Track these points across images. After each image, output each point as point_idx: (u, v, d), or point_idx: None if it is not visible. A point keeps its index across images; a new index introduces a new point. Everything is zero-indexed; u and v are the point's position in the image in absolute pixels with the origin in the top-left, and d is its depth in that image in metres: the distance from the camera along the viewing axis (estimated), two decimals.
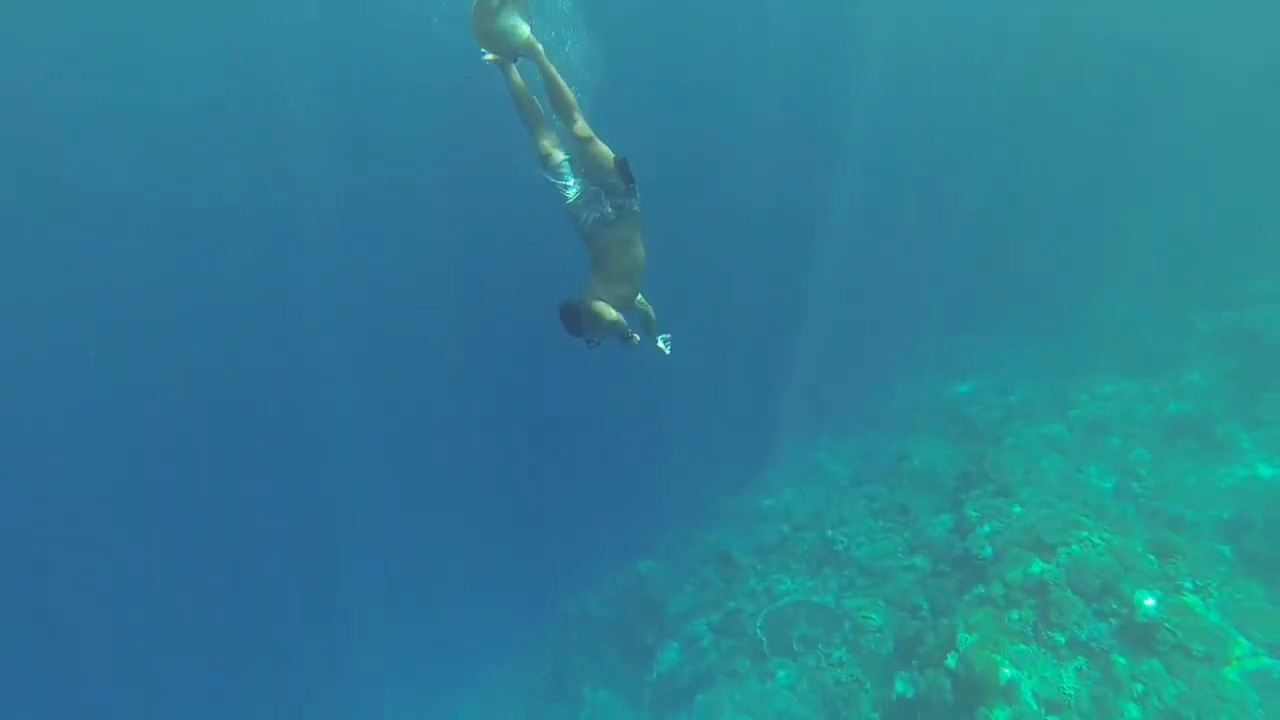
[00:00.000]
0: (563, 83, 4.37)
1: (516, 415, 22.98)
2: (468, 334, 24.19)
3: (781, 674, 10.23)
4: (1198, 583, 8.36)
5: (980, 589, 9.19)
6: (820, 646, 10.49)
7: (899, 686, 8.99)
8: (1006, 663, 8.02)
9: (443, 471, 23.01)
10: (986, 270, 20.50)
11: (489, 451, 22.67)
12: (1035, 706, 7.75)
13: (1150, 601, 8.19)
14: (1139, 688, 7.73)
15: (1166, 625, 7.97)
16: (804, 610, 11.30)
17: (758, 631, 11.30)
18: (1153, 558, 8.74)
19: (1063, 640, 8.21)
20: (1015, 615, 8.58)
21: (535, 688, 14.71)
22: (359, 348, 24.91)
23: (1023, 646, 8.23)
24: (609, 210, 4.48)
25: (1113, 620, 8.25)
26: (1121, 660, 7.93)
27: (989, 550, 9.78)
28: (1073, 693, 7.82)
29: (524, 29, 4.38)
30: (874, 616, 10.33)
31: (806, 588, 11.95)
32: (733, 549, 13.99)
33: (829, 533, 12.89)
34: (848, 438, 17.36)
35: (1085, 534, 9.04)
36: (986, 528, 10.15)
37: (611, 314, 4.51)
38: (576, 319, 4.53)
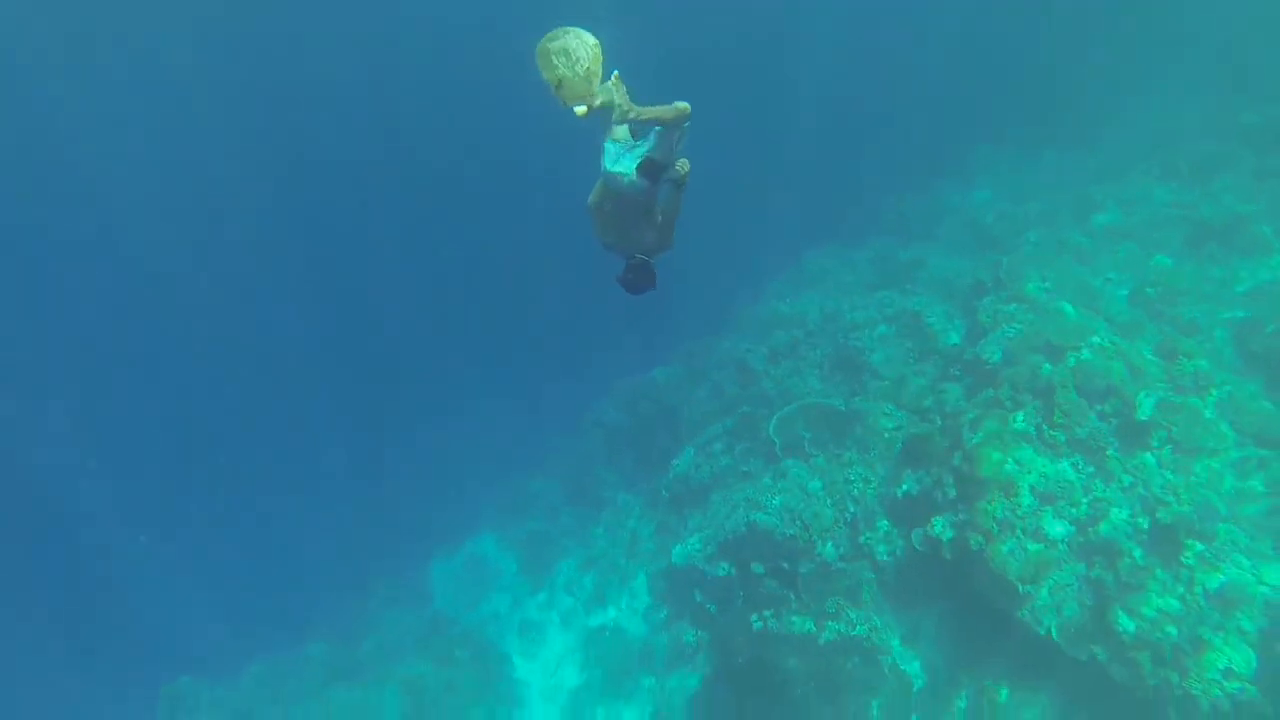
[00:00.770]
0: None
1: (533, 233, 22.86)
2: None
3: (793, 473, 10.93)
4: (1199, 382, 8.67)
5: (988, 392, 9.56)
6: (831, 447, 11.13)
7: (905, 484, 9.66)
8: (1008, 460, 8.54)
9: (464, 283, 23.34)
10: (1009, 80, 19.27)
11: (504, 267, 22.85)
12: (1030, 499, 8.36)
13: (1150, 401, 8.57)
14: (1128, 479, 8.28)
15: (1163, 422, 8.40)
16: (816, 413, 11.81)
17: (770, 434, 11.90)
18: (1159, 360, 9.02)
19: (1063, 439, 8.67)
20: (1020, 416, 9.00)
21: (555, 494, 15.80)
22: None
23: (1025, 446, 8.71)
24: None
25: (1113, 420, 8.67)
26: (1116, 455, 8.44)
27: (998, 355, 10.06)
28: (1066, 485, 8.40)
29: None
30: (883, 419, 10.85)
31: (818, 391, 12.44)
32: (746, 354, 14.42)
33: (841, 338, 13.20)
34: (861, 245, 17.25)
35: (1095, 339, 9.25)
36: (997, 333, 10.38)
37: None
38: (649, 274, 4.73)
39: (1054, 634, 7.74)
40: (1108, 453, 8.47)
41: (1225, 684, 6.97)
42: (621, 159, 4.40)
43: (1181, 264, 10.70)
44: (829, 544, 9.87)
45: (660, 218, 4.62)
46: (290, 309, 23.68)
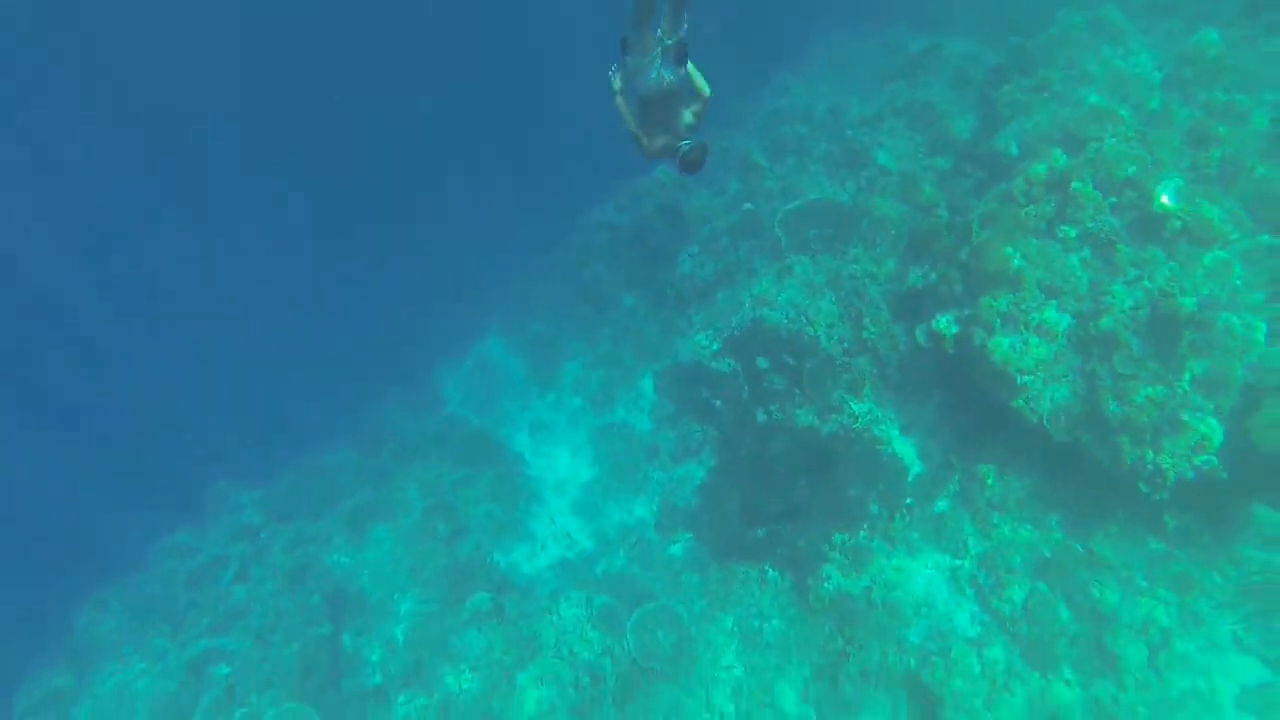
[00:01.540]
0: None
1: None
2: None
3: (798, 269, 10.94)
4: (1226, 170, 8.40)
5: (1001, 186, 9.30)
6: (836, 243, 11.06)
7: (910, 279, 9.71)
8: (1016, 255, 8.51)
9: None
10: None
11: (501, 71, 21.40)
12: (1036, 293, 8.43)
13: (1167, 195, 8.36)
14: (1134, 271, 8.30)
15: (1178, 214, 8.24)
16: (821, 209, 11.61)
17: (776, 230, 11.77)
18: (1186, 148, 8.69)
19: (1074, 234, 8.58)
20: (1032, 210, 8.84)
21: (559, 297, 15.79)
22: None
23: (1034, 240, 8.64)
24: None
25: (1127, 213, 8.53)
26: (1126, 249, 8.38)
27: (1015, 148, 9.71)
28: (1072, 279, 8.44)
29: None
30: (890, 214, 10.68)
31: (824, 187, 12.15)
32: (750, 150, 13.91)
33: (848, 132, 12.68)
34: (870, 35, 16.04)
35: (1121, 127, 8.86)
36: (1015, 124, 9.93)
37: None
38: (702, 150, 5.81)
39: (1045, 422, 8.16)
40: (1118, 246, 8.41)
41: (1194, 459, 7.50)
42: (658, 68, 5.65)
43: (1232, 40, 9.83)
44: (833, 339, 10.11)
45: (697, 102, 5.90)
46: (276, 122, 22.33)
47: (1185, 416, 7.55)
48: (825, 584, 9.05)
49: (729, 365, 10.97)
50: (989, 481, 8.91)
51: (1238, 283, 7.98)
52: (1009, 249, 8.55)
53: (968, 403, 9.11)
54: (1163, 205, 8.26)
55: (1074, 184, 8.67)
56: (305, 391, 17.62)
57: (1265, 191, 8.20)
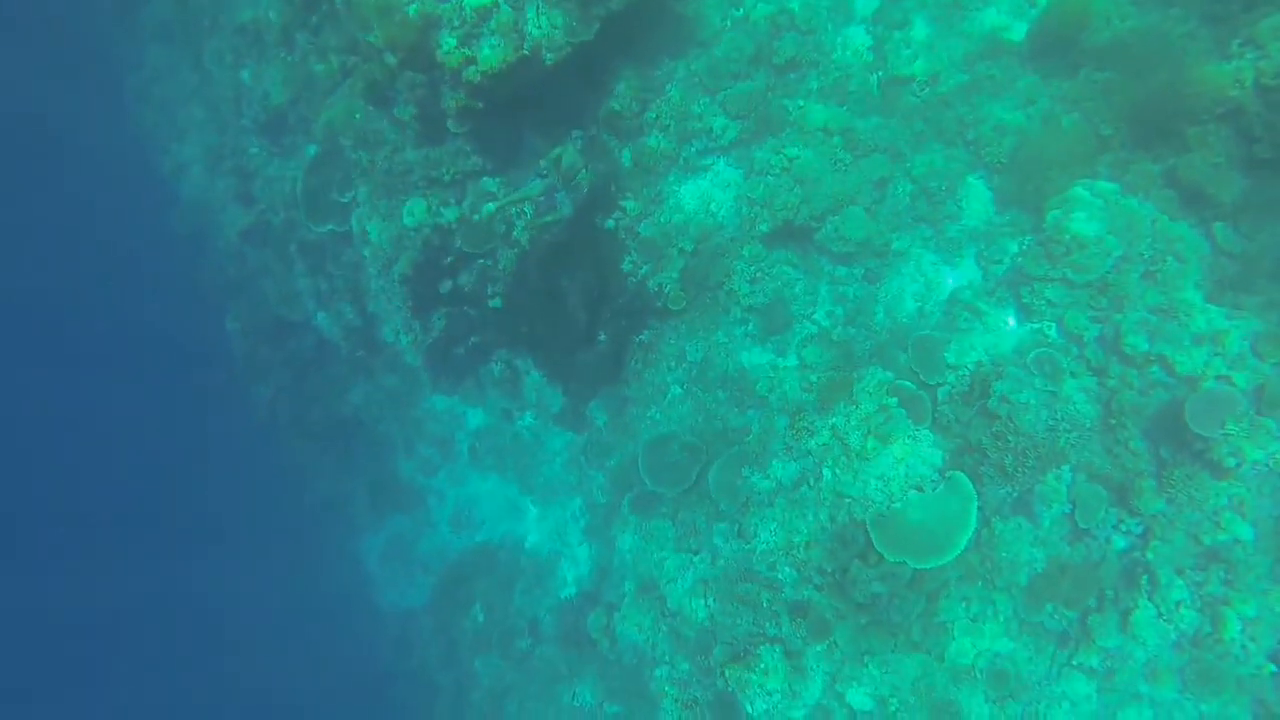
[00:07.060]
0: None
1: None
2: None
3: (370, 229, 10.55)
4: None
5: None
6: (393, 194, 10.31)
7: (401, 113, 9.51)
8: (409, 4, 8.05)
9: None
10: None
11: None
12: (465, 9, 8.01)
13: None
14: None
15: None
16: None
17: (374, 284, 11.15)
18: None
19: None
20: None
21: (333, 462, 15.02)
22: None
23: None
24: None
25: None
26: None
27: None
28: None
29: None
30: (336, 114, 10.33)
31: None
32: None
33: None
34: None
35: None
36: None
37: None
38: None
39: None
40: None
41: None
42: None
43: None
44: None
45: None
46: None
47: None
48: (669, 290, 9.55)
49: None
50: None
51: None
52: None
53: (541, 114, 9.38)
54: None
55: None
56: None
57: None
